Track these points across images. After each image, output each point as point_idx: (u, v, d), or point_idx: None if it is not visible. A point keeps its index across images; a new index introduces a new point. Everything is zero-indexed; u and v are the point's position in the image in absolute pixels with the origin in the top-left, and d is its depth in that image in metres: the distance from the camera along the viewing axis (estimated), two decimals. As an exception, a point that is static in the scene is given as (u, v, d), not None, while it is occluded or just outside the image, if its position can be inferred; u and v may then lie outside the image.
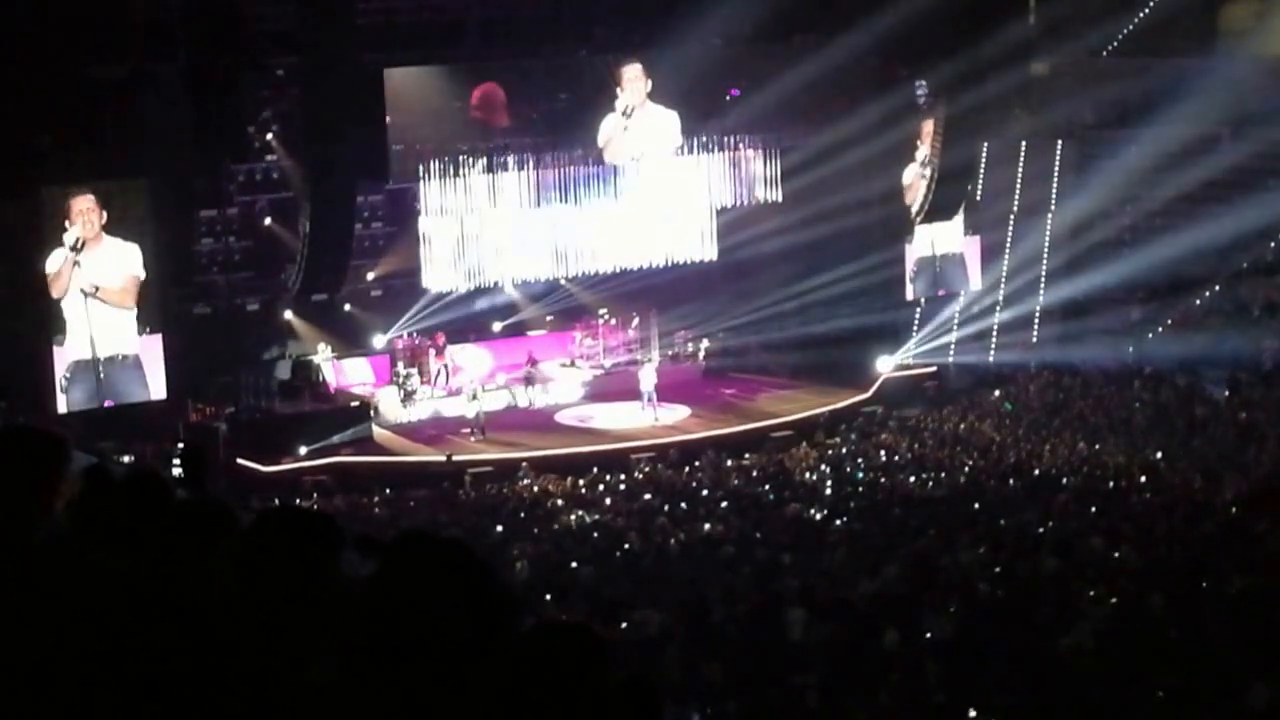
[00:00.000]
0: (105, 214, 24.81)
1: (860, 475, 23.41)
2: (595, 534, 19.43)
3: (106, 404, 24.85)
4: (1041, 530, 18.65)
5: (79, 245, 24.54)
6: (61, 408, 24.15)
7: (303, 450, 25.28)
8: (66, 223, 24.57)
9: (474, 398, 27.82)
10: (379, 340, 29.50)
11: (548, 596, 15.28)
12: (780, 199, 30.22)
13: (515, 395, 29.22)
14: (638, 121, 29.19)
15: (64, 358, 24.73)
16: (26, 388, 22.95)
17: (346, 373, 28.88)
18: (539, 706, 2.72)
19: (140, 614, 3.03)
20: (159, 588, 3.11)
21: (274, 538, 3.15)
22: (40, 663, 2.95)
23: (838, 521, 19.73)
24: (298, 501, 21.18)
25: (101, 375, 24.90)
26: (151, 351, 25.39)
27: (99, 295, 24.84)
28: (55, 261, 24.61)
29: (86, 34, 24.05)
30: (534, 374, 29.42)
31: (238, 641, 2.95)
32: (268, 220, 28.55)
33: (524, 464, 24.98)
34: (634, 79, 28.98)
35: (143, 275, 25.19)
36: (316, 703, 2.84)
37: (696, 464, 24.99)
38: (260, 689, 2.90)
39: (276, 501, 19.64)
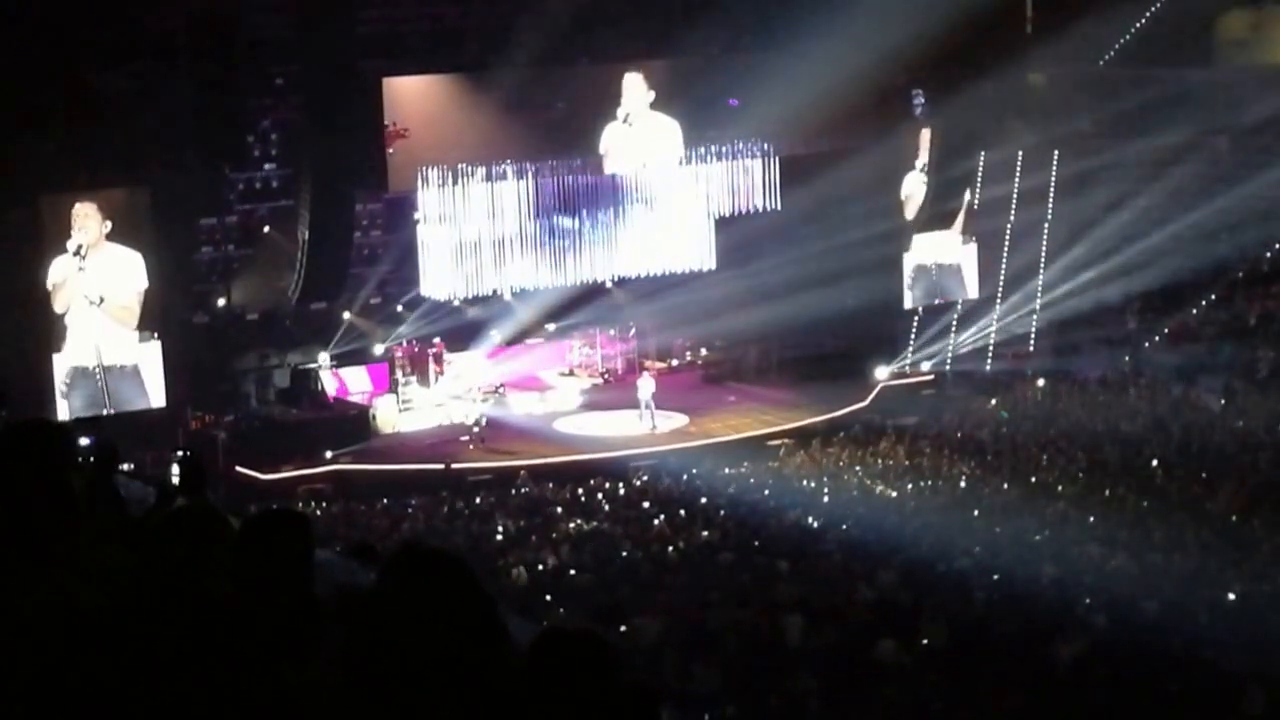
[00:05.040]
0: (110, 222, 24.90)
1: (857, 483, 23.46)
2: (594, 542, 19.47)
3: (107, 411, 24.91)
4: (1038, 538, 18.71)
5: (81, 252, 24.62)
6: (63, 414, 24.18)
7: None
8: (71, 230, 24.67)
9: (473, 404, 27.88)
10: (378, 348, 29.54)
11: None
12: (779, 208, 30.29)
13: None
14: (639, 130, 29.26)
15: (63, 364, 24.80)
16: (26, 395, 22.96)
17: (345, 381, 28.92)
18: (545, 712, 2.75)
19: (136, 618, 3.06)
20: (154, 593, 3.14)
21: (252, 539, 3.21)
22: (34, 665, 2.99)
23: (835, 529, 19.78)
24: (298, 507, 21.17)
25: (102, 383, 24.96)
26: (151, 359, 25.45)
27: (103, 307, 24.94)
28: (59, 269, 24.69)
29: (88, 42, 24.12)
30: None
31: (233, 646, 3.00)
32: (267, 228, 28.59)
33: (523, 472, 25.01)
34: (634, 87, 29.06)
35: (146, 284, 25.27)
36: (321, 713, 2.88)
37: (694, 472, 25.02)
38: (257, 696, 2.95)
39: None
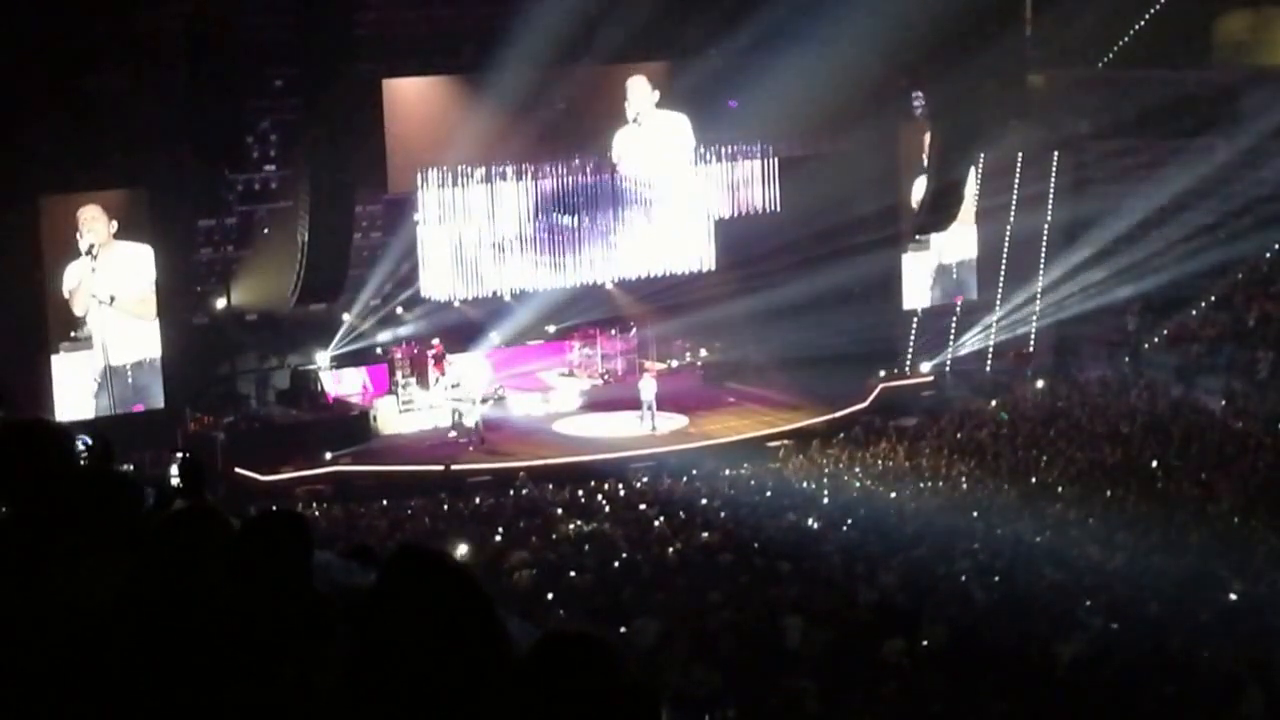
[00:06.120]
0: (115, 222, 24.97)
1: (857, 484, 23.46)
2: (593, 543, 19.47)
3: (136, 408, 25.01)
4: (1038, 539, 18.71)
5: (94, 252, 24.73)
6: (90, 413, 24.25)
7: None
8: (78, 234, 24.73)
9: (472, 406, 27.87)
10: (377, 349, 29.53)
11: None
12: (779, 209, 30.28)
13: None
14: (649, 129, 29.29)
15: (95, 364, 24.91)
16: (26, 394, 22.96)
17: (345, 382, 28.91)
18: (545, 714, 2.75)
19: (136, 619, 3.06)
20: (154, 594, 3.14)
21: (252, 540, 3.20)
22: (35, 665, 2.99)
23: (835, 530, 19.78)
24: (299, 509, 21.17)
25: (130, 380, 25.13)
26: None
27: (116, 305, 25.03)
28: (74, 273, 24.77)
29: (86, 44, 24.10)
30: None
31: (234, 647, 3.00)
32: (267, 230, 28.56)
33: (522, 473, 25.01)
34: (639, 88, 29.08)
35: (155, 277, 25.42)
36: (322, 715, 2.88)
37: (694, 472, 25.02)
38: (258, 697, 2.95)
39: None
